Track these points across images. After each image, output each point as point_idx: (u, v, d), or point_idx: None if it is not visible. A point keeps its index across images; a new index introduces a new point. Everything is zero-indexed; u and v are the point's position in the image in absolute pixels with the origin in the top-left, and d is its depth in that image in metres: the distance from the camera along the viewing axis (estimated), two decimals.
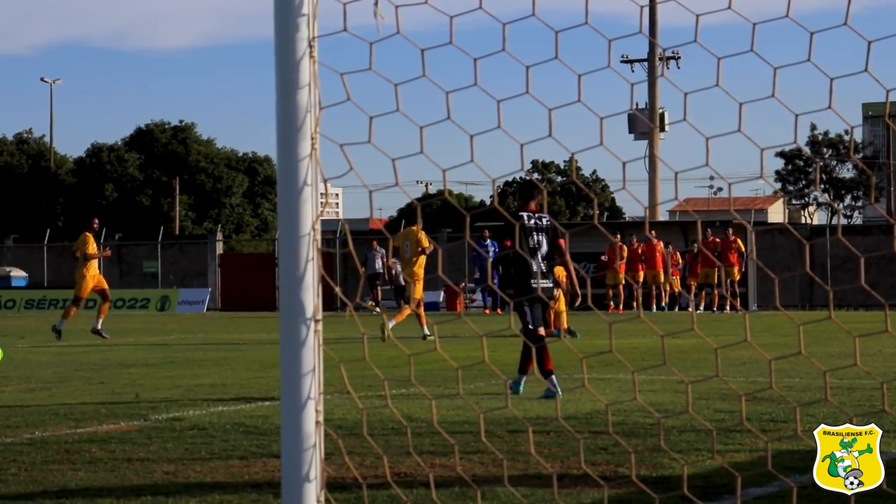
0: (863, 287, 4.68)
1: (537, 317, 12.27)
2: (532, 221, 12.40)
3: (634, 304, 37.63)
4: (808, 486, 6.54)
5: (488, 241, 37.40)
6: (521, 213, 12.46)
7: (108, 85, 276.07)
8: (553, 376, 12.00)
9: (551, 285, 12.48)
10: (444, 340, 22.28)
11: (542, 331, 12.25)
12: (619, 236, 37.44)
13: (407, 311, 22.69)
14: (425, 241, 22.54)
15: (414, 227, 22.97)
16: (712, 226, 37.89)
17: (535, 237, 12.36)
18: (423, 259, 22.71)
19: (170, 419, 10.65)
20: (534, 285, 12.20)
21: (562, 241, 12.61)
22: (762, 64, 4.28)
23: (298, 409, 4.22)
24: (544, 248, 12.37)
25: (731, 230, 36.08)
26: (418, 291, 23.01)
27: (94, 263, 23.63)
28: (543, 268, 12.34)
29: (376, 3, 4.10)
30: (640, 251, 36.96)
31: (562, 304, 24.16)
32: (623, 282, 36.89)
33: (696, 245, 36.32)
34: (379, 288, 40.35)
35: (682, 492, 6.25)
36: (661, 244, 36.62)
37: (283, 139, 4.23)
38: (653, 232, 37.73)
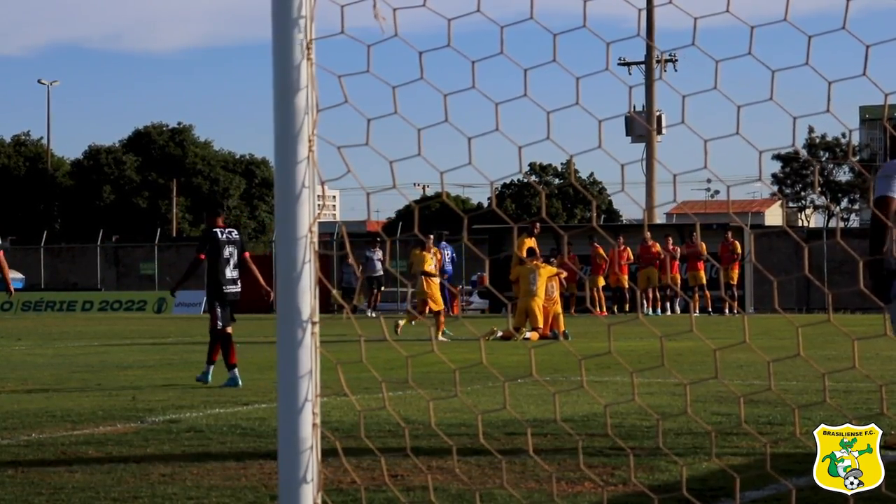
0: (862, 290, 4.68)
1: (226, 317, 14.55)
2: (224, 236, 14.69)
3: (627, 307, 37.77)
4: (806, 489, 6.54)
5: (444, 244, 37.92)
6: (213, 230, 14.62)
7: (106, 87, 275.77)
8: (236, 369, 14.10)
9: (238, 290, 14.78)
10: (441, 342, 22.28)
11: (229, 329, 14.46)
12: (621, 239, 37.52)
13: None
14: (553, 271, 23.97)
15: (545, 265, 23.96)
16: (709, 228, 37.88)
17: (227, 249, 14.65)
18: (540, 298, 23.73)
19: (167, 421, 10.64)
20: (225, 291, 14.60)
21: (247, 255, 14.92)
22: (760, 67, 4.28)
23: (295, 411, 4.21)
24: (235, 259, 14.67)
25: (729, 233, 36.07)
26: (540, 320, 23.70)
27: None
28: (235, 276, 14.71)
29: (375, 5, 4.10)
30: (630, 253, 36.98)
31: (558, 307, 24.16)
32: (601, 285, 36.99)
33: (684, 245, 36.38)
34: (376, 291, 40.12)
35: (680, 494, 6.26)
36: (658, 245, 36.60)
37: (280, 141, 4.23)
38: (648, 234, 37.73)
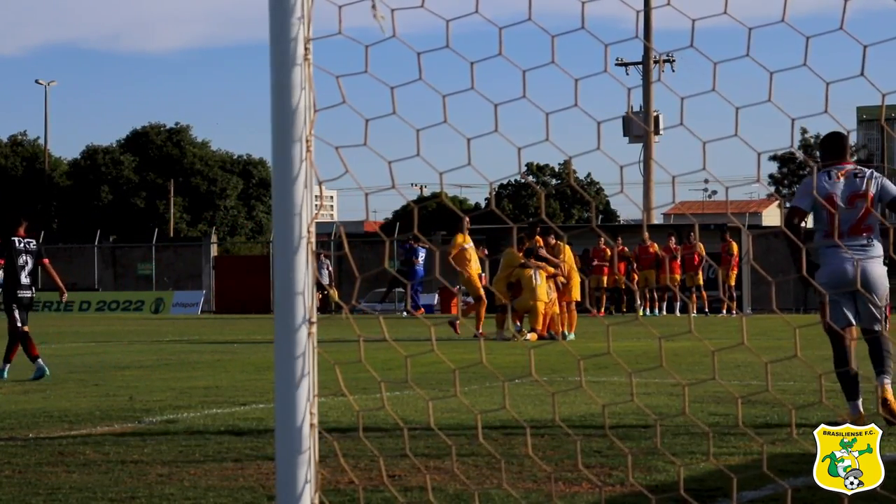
0: (859, 291, 4.68)
1: (24, 318, 16.00)
2: (22, 245, 16.24)
3: (624, 307, 37.81)
4: (803, 489, 6.55)
5: (416, 247, 38.25)
6: (12, 238, 16.12)
7: (103, 87, 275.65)
8: (39, 359, 15.49)
9: (31, 295, 16.24)
10: (440, 342, 22.27)
11: (26, 328, 15.88)
12: (619, 240, 37.64)
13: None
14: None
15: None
16: (707, 228, 37.89)
17: (23, 257, 16.19)
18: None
19: (164, 421, 10.64)
20: (19, 294, 16.06)
21: (46, 261, 16.44)
22: (758, 67, 4.28)
23: (293, 411, 4.21)
24: (30, 266, 16.24)
25: (727, 233, 36.10)
26: None
27: None
28: (28, 281, 16.20)
29: (374, 5, 4.10)
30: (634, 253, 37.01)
31: (557, 308, 24.12)
32: (605, 285, 37.10)
33: (682, 246, 36.42)
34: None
35: (678, 494, 6.25)
36: (656, 246, 36.60)
37: (277, 141, 4.23)
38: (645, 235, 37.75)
